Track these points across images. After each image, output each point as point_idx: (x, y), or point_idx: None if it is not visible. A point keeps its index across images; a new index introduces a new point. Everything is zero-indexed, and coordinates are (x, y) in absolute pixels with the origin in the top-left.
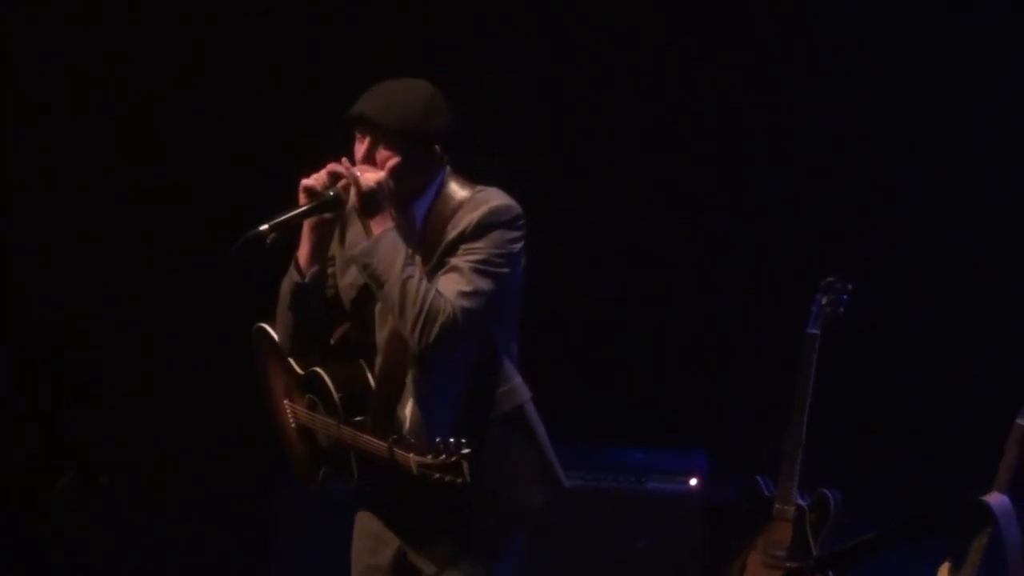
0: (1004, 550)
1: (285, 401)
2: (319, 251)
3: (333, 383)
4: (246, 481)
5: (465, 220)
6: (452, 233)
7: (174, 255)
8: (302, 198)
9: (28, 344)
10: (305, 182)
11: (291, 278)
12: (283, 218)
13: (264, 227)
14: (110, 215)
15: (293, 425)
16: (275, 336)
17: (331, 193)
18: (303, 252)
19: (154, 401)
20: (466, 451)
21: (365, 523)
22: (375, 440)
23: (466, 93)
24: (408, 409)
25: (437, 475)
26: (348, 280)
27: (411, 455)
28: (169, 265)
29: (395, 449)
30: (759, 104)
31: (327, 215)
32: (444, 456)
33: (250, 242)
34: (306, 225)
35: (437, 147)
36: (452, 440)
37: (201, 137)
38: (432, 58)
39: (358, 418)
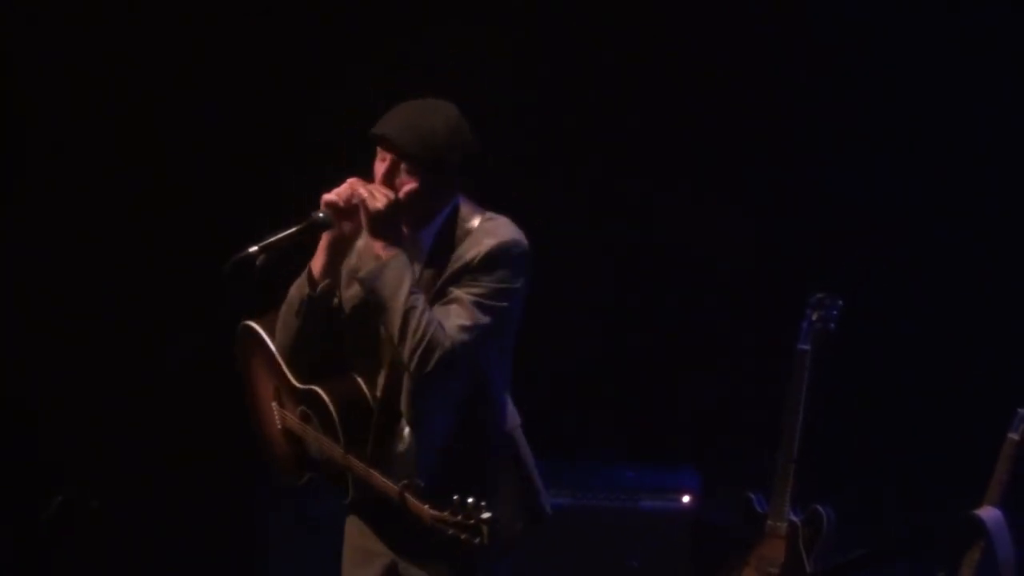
0: (997, 563)
1: (273, 404)
2: (334, 264)
3: (334, 405)
4: (236, 501)
5: (473, 250)
6: (459, 261)
7: (171, 261)
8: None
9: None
10: (326, 197)
11: (303, 288)
12: (273, 240)
13: (254, 249)
14: (108, 216)
15: (280, 428)
16: (264, 338)
17: (321, 215)
18: (317, 264)
19: (144, 420)
20: (486, 515)
21: (355, 538)
22: (385, 481)
23: (464, 94)
24: (403, 434)
25: (451, 532)
26: (353, 291)
27: (426, 507)
28: (165, 272)
29: (406, 495)
30: (750, 110)
31: (346, 228)
32: (462, 516)
33: (240, 263)
34: (324, 237)
35: (458, 177)
36: (471, 500)
37: (201, 137)
38: (432, 58)
39: (357, 443)
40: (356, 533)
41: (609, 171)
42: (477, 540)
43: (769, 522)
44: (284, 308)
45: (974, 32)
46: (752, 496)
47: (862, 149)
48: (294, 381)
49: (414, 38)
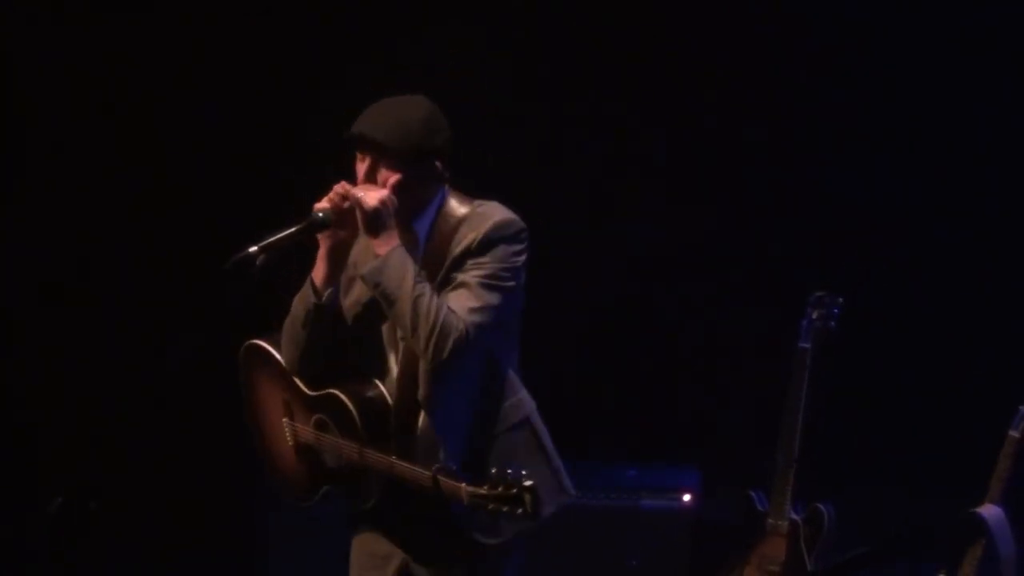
0: (998, 561)
1: (284, 420)
2: (336, 271)
3: (353, 404)
4: (236, 501)
5: (470, 235)
6: (457, 248)
7: (171, 261)
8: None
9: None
10: (318, 205)
11: (307, 298)
12: (273, 239)
13: (254, 249)
14: (108, 216)
15: (291, 444)
16: (272, 353)
17: (320, 215)
18: (319, 272)
19: (144, 420)
20: (529, 483)
21: (366, 543)
22: (415, 468)
23: (463, 95)
24: (421, 427)
25: (492, 506)
26: (352, 299)
27: (463, 485)
28: (165, 272)
29: (440, 478)
30: (750, 110)
31: (342, 234)
32: (503, 487)
33: (240, 264)
34: (322, 246)
35: (438, 164)
36: (511, 471)
37: (201, 137)
38: (432, 58)
39: (379, 439)
40: (365, 541)
41: (609, 171)
42: (520, 511)
43: (770, 521)
44: (288, 323)
45: (974, 32)
46: (753, 495)
47: (862, 149)
48: (307, 390)
49: (414, 38)
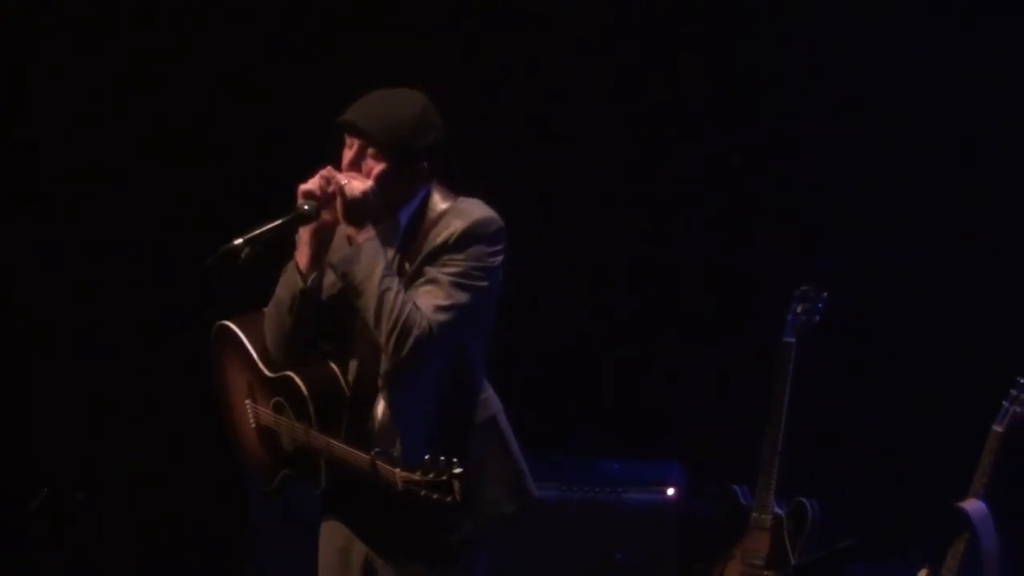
0: (981, 556)
1: (247, 401)
2: (320, 256)
3: (306, 387)
4: (224, 498)
5: (448, 231)
6: (434, 242)
7: (163, 262)
8: (300, 201)
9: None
10: (303, 187)
11: (293, 284)
12: (259, 232)
13: (239, 241)
14: (98, 214)
15: (253, 426)
16: (239, 334)
17: (306, 207)
18: (303, 257)
19: (133, 417)
20: (458, 471)
21: (330, 536)
22: (356, 451)
23: (456, 97)
24: (379, 417)
25: (424, 492)
26: (330, 280)
27: (397, 470)
28: (155, 272)
29: (378, 463)
30: (738, 107)
31: (326, 218)
32: (433, 474)
33: (225, 256)
34: (305, 231)
35: (425, 163)
36: (443, 458)
37: (200, 138)
38: (433, 58)
39: (330, 424)
40: (331, 536)
41: (600, 167)
42: (449, 498)
43: (754, 514)
44: (272, 308)
45: (974, 30)
46: (737, 489)
47: (848, 143)
48: (267, 372)
49: (414, 38)
